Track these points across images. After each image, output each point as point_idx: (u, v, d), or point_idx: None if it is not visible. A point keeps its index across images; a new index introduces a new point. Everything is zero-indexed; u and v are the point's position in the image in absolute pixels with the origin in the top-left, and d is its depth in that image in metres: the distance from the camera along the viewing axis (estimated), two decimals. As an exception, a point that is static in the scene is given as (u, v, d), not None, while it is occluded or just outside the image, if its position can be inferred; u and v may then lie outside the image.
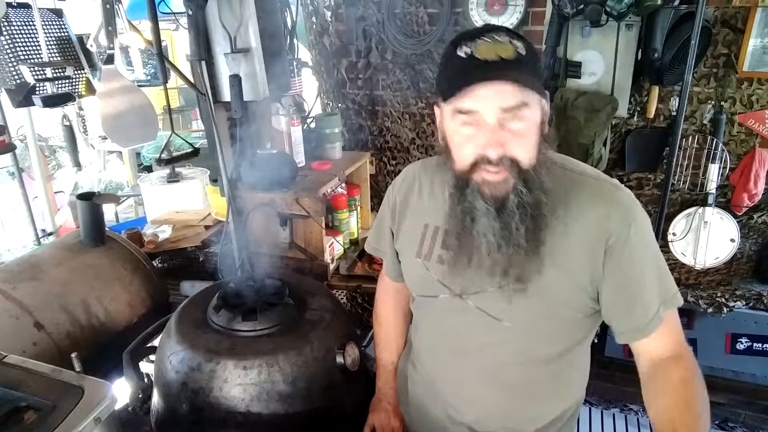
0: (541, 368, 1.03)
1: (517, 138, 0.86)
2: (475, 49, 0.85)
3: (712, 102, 2.14)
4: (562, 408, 1.09)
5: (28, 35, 1.86)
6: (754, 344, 2.34)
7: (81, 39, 2.00)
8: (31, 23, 1.85)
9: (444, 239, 1.04)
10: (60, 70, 1.87)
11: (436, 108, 0.99)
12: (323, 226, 1.81)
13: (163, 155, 1.77)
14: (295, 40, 2.14)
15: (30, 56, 1.84)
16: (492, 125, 0.86)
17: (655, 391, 0.94)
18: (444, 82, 0.90)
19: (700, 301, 2.32)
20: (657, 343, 0.96)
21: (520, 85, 0.84)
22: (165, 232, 2.25)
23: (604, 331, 2.45)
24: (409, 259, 1.13)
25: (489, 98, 0.84)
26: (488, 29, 0.88)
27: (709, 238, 2.26)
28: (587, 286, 0.95)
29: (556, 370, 1.05)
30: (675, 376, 0.92)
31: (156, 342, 1.31)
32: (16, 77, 1.79)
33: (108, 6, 1.61)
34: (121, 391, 1.14)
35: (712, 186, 2.20)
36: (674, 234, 2.32)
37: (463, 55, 0.86)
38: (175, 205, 2.55)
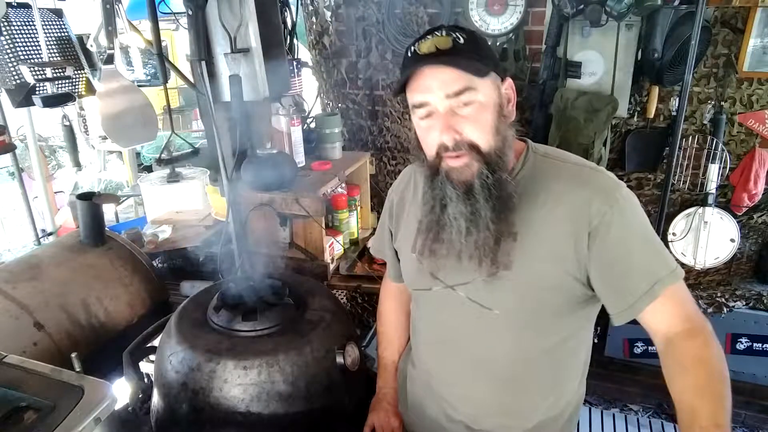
0: (535, 362, 1.03)
1: (470, 122, 0.92)
2: (418, 47, 0.93)
3: (712, 102, 2.14)
4: (558, 406, 1.09)
5: (28, 35, 1.86)
6: (754, 344, 2.34)
7: (81, 39, 2.00)
8: (31, 23, 1.85)
9: (436, 232, 1.05)
10: (60, 70, 1.87)
11: None
12: (323, 226, 1.81)
13: (163, 155, 1.77)
14: (295, 40, 2.14)
15: (30, 56, 1.84)
16: (442, 113, 0.92)
17: (670, 371, 0.90)
18: (398, 88, 0.99)
19: (700, 301, 2.32)
20: (663, 319, 0.93)
21: (459, 69, 0.89)
22: (165, 232, 2.25)
23: (604, 331, 2.47)
24: (406, 255, 1.15)
25: (434, 88, 0.91)
26: (434, 29, 0.95)
27: (709, 238, 2.26)
28: (576, 271, 0.95)
29: (551, 365, 1.05)
30: (688, 354, 0.88)
31: (156, 342, 1.31)
32: (16, 77, 1.79)
33: (108, 6, 1.61)
34: (121, 391, 1.14)
35: (712, 186, 2.20)
36: (674, 234, 2.32)
37: (409, 54, 0.95)
38: (175, 205, 2.55)
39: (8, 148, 2.09)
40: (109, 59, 1.71)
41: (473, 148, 0.92)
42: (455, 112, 0.92)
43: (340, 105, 2.62)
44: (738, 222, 2.24)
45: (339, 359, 1.18)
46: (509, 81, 0.99)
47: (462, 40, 0.91)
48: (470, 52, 0.91)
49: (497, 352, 1.04)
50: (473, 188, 0.93)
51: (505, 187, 0.94)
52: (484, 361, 1.05)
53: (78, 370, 0.96)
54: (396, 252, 1.22)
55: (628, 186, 0.99)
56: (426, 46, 0.92)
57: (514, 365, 1.04)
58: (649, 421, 2.43)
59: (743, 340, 2.35)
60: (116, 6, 1.65)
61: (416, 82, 0.94)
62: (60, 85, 1.90)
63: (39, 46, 1.84)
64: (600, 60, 2.11)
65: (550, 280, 0.96)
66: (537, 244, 0.96)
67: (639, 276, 0.92)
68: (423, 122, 0.96)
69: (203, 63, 1.55)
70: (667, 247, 2.28)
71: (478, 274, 0.99)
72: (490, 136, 0.93)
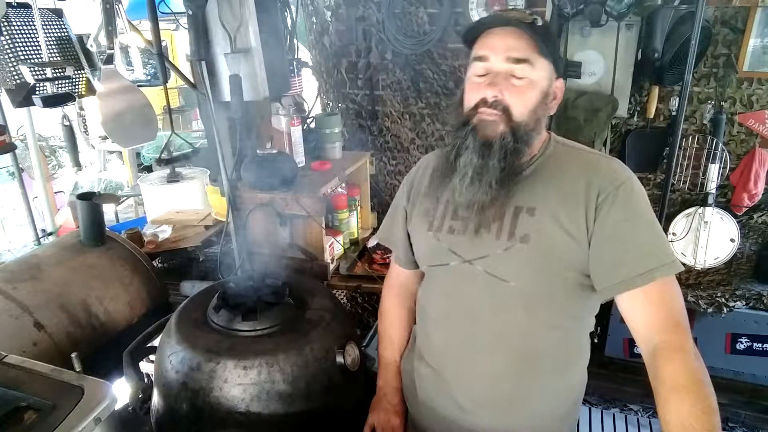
0: (548, 337, 1.06)
1: (516, 91, 0.99)
2: (500, 10, 1.03)
3: (712, 102, 2.14)
4: (566, 387, 1.12)
5: (28, 35, 1.86)
6: (754, 344, 2.34)
7: (81, 39, 2.00)
8: (31, 23, 1.85)
9: (453, 210, 1.10)
10: (60, 70, 1.87)
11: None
12: (323, 226, 1.81)
13: (163, 155, 1.77)
14: (295, 40, 2.14)
15: (30, 56, 1.85)
16: (498, 72, 0.99)
17: (665, 392, 0.89)
18: (467, 32, 1.05)
19: (700, 301, 2.32)
20: (650, 314, 0.95)
21: (528, 39, 0.97)
22: (165, 232, 2.25)
23: (604, 331, 2.46)
24: (420, 234, 1.17)
25: (499, 48, 0.98)
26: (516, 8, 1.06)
27: (709, 238, 2.26)
28: (585, 248, 0.99)
29: (562, 343, 1.08)
30: (682, 373, 0.89)
31: (156, 342, 1.31)
32: (16, 77, 1.79)
33: (108, 6, 1.61)
34: (121, 391, 1.14)
35: (712, 186, 2.20)
36: (674, 234, 2.32)
37: (488, 13, 1.05)
38: (175, 205, 2.55)
39: (8, 148, 2.09)
40: (109, 59, 1.71)
41: (507, 112, 0.99)
42: (508, 79, 0.99)
43: (340, 105, 2.62)
44: (738, 222, 2.24)
45: (339, 359, 1.18)
46: (561, 81, 1.06)
47: (540, 23, 1.00)
48: (542, 35, 0.98)
49: (512, 325, 1.06)
50: (492, 145, 1.00)
51: (519, 159, 1.02)
52: (500, 334, 1.07)
53: (78, 370, 0.96)
54: (408, 236, 1.24)
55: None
56: (506, 12, 1.02)
57: (528, 338, 1.06)
58: (649, 421, 2.43)
59: (743, 340, 2.35)
60: (116, 6, 1.65)
61: (485, 39, 1.01)
62: (60, 85, 1.90)
63: (39, 46, 1.84)
64: (600, 60, 2.11)
65: (563, 254, 1.00)
66: (553, 220, 1.00)
67: (641, 253, 0.96)
68: (476, 78, 1.02)
69: (203, 63, 1.55)
70: (667, 247, 2.30)
71: (496, 248, 1.03)
72: (526, 110, 1.00)
